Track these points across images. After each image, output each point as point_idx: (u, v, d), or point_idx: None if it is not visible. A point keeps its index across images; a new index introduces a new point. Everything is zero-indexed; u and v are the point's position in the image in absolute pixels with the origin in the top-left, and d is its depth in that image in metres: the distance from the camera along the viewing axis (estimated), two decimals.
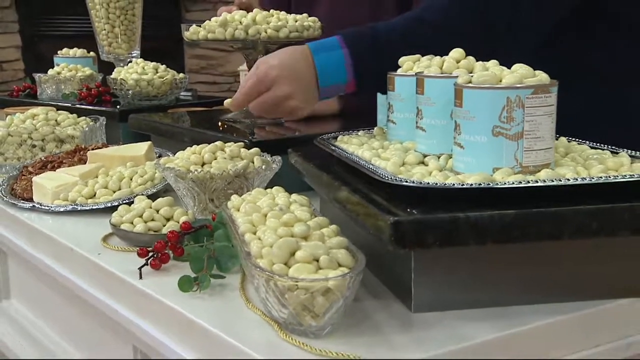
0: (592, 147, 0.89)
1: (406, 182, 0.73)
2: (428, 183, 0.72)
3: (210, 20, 1.37)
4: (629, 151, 0.84)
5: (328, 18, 1.50)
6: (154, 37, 2.06)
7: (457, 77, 0.83)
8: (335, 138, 1.05)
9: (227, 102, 1.13)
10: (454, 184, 0.72)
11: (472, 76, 0.79)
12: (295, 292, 0.65)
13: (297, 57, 1.06)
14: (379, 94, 1.18)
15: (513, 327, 0.69)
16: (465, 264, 0.73)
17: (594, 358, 0.73)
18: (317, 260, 0.68)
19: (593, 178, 0.72)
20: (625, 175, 0.72)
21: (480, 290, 0.74)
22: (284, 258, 0.68)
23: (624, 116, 1.15)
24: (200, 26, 1.37)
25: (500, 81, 0.77)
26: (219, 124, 1.45)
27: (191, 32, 1.38)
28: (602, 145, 0.89)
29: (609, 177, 0.72)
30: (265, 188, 0.93)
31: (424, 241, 0.68)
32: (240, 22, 1.33)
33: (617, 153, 0.85)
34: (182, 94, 1.87)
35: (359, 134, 1.07)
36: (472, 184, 0.71)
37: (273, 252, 0.68)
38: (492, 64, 0.85)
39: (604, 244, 0.73)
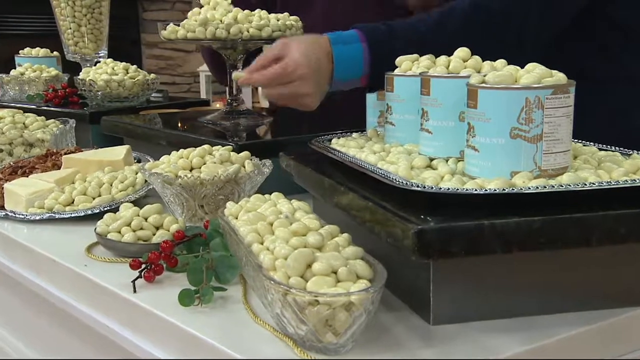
0: (600, 149, 0.86)
1: (424, 187, 0.69)
2: (448, 189, 0.68)
3: (189, 18, 1.31)
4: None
5: (323, 19, 1.46)
6: (111, 36, 2.00)
7: (465, 77, 0.80)
8: (330, 140, 1.01)
9: (236, 74, 1.08)
10: (475, 190, 0.68)
11: (484, 76, 0.75)
12: (317, 307, 0.60)
13: (320, 55, 1.04)
14: (368, 95, 1.13)
15: (540, 339, 0.66)
16: (486, 272, 0.69)
17: None
18: (335, 272, 0.64)
19: (619, 182, 0.68)
20: None
21: (501, 300, 0.70)
22: (300, 271, 0.63)
23: (618, 117, 1.13)
24: (178, 25, 1.31)
25: (516, 81, 0.73)
26: (183, 125, 1.40)
27: (169, 31, 1.31)
28: (609, 146, 0.87)
29: (635, 180, 0.69)
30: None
31: (448, 250, 0.64)
32: (221, 21, 1.28)
33: (629, 155, 0.82)
34: (152, 95, 1.80)
35: (353, 136, 1.02)
36: (495, 190, 0.67)
37: (288, 265, 0.64)
38: (500, 63, 0.82)
39: (630, 250, 0.70)
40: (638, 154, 0.82)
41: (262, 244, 0.71)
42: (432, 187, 0.69)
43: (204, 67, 5.39)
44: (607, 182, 0.69)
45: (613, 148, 0.86)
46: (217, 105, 2.89)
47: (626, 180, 0.69)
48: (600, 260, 0.70)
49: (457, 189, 0.68)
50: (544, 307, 0.70)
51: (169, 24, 1.33)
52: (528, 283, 0.70)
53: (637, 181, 0.69)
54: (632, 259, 0.71)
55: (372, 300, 0.61)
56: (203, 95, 5.07)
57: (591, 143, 0.89)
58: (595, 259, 0.70)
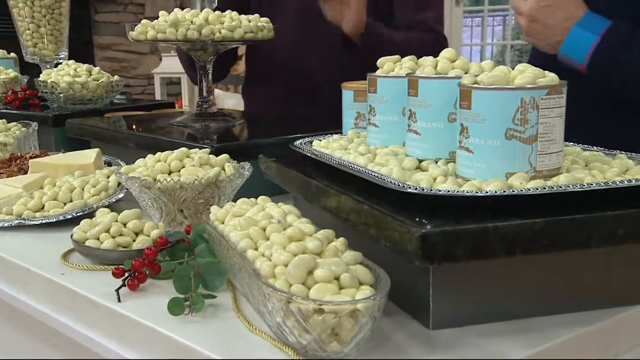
0: (584, 149, 0.85)
1: (422, 190, 0.67)
2: (448, 191, 0.66)
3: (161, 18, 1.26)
4: (625, 153, 0.81)
5: (298, 18, 1.43)
6: None
7: (454, 77, 0.78)
8: (310, 142, 0.97)
9: None
10: (476, 192, 0.66)
11: (476, 76, 0.73)
12: (322, 316, 0.57)
13: (575, 14, 1.08)
14: (343, 96, 1.10)
15: (542, 342, 0.64)
16: (484, 275, 0.67)
17: None
18: (337, 279, 0.61)
19: (616, 182, 0.67)
20: None
21: (499, 303, 0.68)
22: (302, 278, 0.60)
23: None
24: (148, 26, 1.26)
25: (509, 82, 0.72)
26: (153, 127, 1.35)
27: (138, 32, 1.26)
28: (591, 146, 0.86)
29: (634, 180, 0.67)
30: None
31: (452, 254, 0.61)
32: (192, 22, 1.23)
33: (613, 155, 0.81)
34: (116, 97, 1.74)
35: (334, 137, 1.00)
36: (496, 192, 0.65)
37: (289, 272, 0.60)
38: (488, 64, 0.80)
39: (627, 250, 0.69)
40: (622, 153, 0.81)
41: (256, 249, 0.68)
42: (430, 190, 0.67)
43: (159, 69, 5.30)
44: (611, 182, 0.67)
45: (595, 148, 0.85)
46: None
47: (623, 181, 0.67)
48: (599, 260, 0.69)
49: (458, 191, 0.66)
50: (542, 308, 0.69)
51: (137, 25, 1.28)
52: (526, 285, 0.68)
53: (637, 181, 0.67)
54: (629, 258, 0.70)
55: (378, 307, 0.58)
56: (158, 97, 4.99)
57: (571, 143, 0.88)
58: (594, 259, 0.69)
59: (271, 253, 0.64)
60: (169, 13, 1.27)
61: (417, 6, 1.57)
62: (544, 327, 0.66)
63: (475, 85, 0.71)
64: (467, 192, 0.65)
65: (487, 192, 0.65)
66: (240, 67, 1.81)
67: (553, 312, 0.69)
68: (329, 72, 1.49)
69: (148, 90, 5.41)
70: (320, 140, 0.97)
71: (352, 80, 1.04)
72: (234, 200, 0.84)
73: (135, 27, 1.27)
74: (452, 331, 0.66)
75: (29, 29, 1.81)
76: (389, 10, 1.57)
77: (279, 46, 1.43)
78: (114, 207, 1.01)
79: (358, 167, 0.77)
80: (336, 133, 1.04)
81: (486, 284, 0.67)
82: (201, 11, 1.26)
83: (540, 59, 1.14)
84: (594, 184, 0.66)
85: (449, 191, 0.66)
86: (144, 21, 1.26)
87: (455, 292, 0.67)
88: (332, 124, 1.13)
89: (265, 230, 0.70)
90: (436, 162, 0.79)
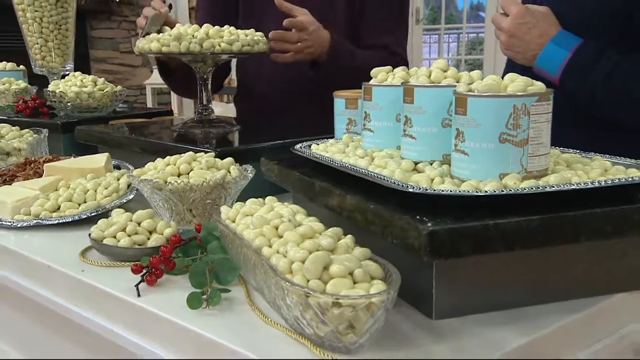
0: (562, 152, 0.83)
1: (425, 190, 0.64)
2: (451, 191, 0.63)
3: (165, 34, 1.22)
4: (598, 154, 0.79)
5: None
6: None
7: (447, 86, 0.76)
8: (309, 146, 0.94)
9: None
10: (477, 192, 0.63)
11: (469, 84, 0.71)
12: (340, 310, 0.54)
13: (549, 32, 1.07)
14: (335, 103, 1.08)
15: (538, 329, 0.62)
16: (483, 268, 0.65)
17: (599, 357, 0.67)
18: (351, 274, 0.58)
19: (603, 181, 0.65)
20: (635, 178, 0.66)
21: (496, 294, 0.66)
22: (318, 273, 0.57)
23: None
24: (153, 39, 1.21)
25: (500, 90, 0.69)
26: (157, 133, 1.31)
27: (144, 45, 1.22)
28: (567, 149, 0.84)
29: (628, 179, 0.66)
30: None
31: (458, 250, 0.59)
32: (194, 36, 1.19)
33: (590, 157, 0.79)
34: (119, 105, 1.69)
35: (330, 141, 0.97)
36: (495, 191, 0.63)
37: (307, 268, 0.57)
38: (477, 74, 0.78)
39: (612, 244, 0.67)
40: (596, 155, 0.80)
41: (270, 247, 0.65)
42: (434, 190, 0.64)
43: (150, 80, 5.22)
44: (596, 182, 0.65)
45: (572, 150, 0.84)
46: None
47: (607, 181, 0.65)
48: (585, 253, 0.67)
49: (460, 191, 0.63)
50: (534, 298, 0.67)
51: (142, 39, 1.23)
52: (521, 277, 0.66)
53: (630, 180, 0.66)
54: (610, 251, 0.68)
55: (391, 300, 0.56)
56: (149, 106, 4.91)
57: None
58: (581, 253, 0.67)
59: (286, 250, 0.62)
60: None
61: (383, 30, 1.54)
62: (537, 315, 0.64)
63: (471, 93, 0.69)
64: (469, 191, 0.63)
65: (487, 192, 0.63)
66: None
67: (543, 301, 0.67)
68: (310, 83, 1.46)
69: (140, 100, 5.32)
70: (318, 144, 0.94)
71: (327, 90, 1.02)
72: (237, 200, 0.81)
73: (141, 42, 1.23)
74: (454, 321, 0.64)
75: (37, 43, 1.75)
76: (357, 32, 1.54)
77: (263, 59, 1.39)
78: (125, 207, 0.97)
79: (361, 169, 0.75)
80: (330, 138, 1.01)
81: (484, 276, 0.65)
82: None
83: (515, 71, 1.12)
84: (582, 183, 0.64)
85: (451, 191, 0.63)
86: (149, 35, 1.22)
87: (456, 285, 0.64)
88: (320, 130, 1.10)
89: (277, 229, 0.67)
90: (431, 164, 0.77)
